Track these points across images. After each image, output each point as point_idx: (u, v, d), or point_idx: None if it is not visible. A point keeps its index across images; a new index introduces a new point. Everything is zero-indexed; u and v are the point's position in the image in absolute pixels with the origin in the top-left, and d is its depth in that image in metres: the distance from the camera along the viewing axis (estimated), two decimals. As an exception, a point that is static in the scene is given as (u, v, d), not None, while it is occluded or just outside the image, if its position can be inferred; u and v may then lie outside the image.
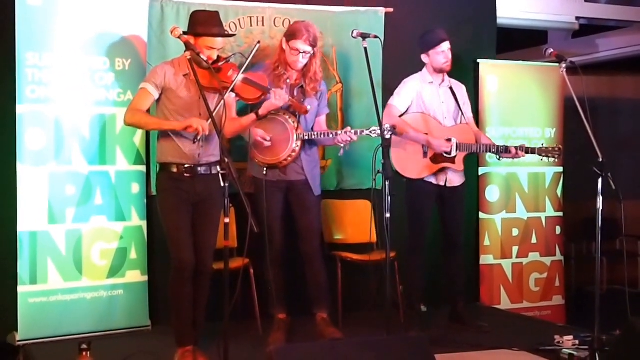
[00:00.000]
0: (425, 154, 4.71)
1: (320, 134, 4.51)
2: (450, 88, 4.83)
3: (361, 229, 5.21)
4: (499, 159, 4.82)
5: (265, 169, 4.44)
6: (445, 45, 4.71)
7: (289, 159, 4.44)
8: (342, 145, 4.45)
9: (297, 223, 4.57)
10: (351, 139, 4.41)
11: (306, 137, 4.47)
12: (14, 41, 4.36)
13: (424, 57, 4.78)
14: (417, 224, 4.79)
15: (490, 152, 4.85)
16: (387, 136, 4.19)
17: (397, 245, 4.66)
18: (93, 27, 4.58)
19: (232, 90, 4.03)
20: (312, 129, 4.58)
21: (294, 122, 4.44)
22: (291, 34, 4.43)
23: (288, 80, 4.47)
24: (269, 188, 4.44)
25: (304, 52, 4.39)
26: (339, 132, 4.44)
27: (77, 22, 4.53)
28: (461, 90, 4.94)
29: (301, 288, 4.64)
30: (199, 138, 3.84)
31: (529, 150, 4.74)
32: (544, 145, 4.85)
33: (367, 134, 4.39)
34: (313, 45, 4.41)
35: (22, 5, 4.37)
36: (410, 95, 4.75)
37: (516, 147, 4.73)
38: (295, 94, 4.48)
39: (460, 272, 4.99)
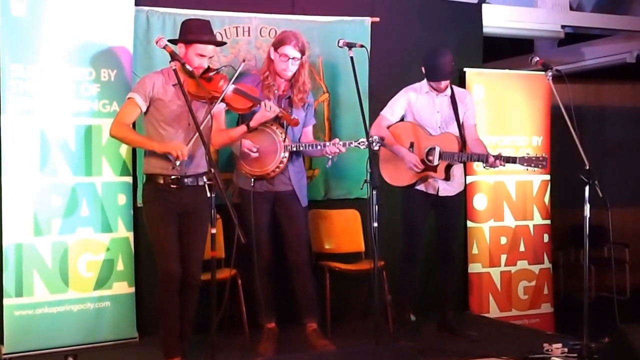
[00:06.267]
0: None
1: (308, 145, 4.47)
2: (452, 97, 4.80)
3: (349, 238, 5.21)
4: (484, 167, 4.74)
5: (252, 180, 4.41)
6: (444, 83, 4.71)
7: (277, 170, 4.41)
8: (330, 156, 4.40)
9: (284, 233, 4.55)
10: (339, 150, 4.37)
11: (294, 149, 4.45)
12: (-2, 52, 4.35)
13: (424, 69, 4.73)
14: (410, 233, 4.78)
15: (472, 160, 4.78)
16: (376, 148, 4.16)
17: (387, 254, 4.66)
18: (78, 38, 4.55)
19: (223, 100, 4.01)
20: (299, 139, 4.55)
21: (281, 133, 4.40)
22: (279, 41, 4.41)
23: (276, 91, 4.45)
24: (257, 199, 4.42)
25: (293, 57, 4.36)
26: (327, 143, 4.39)
27: (61, 33, 4.51)
28: (464, 98, 4.86)
29: (290, 297, 4.62)
30: (177, 164, 3.81)
31: (509, 160, 4.53)
32: (528, 154, 4.64)
33: (355, 146, 4.32)
34: (302, 52, 4.39)
35: (7, 16, 4.34)
36: (402, 105, 4.76)
37: (494, 156, 4.57)
38: (283, 105, 4.44)
39: (452, 281, 4.99)
